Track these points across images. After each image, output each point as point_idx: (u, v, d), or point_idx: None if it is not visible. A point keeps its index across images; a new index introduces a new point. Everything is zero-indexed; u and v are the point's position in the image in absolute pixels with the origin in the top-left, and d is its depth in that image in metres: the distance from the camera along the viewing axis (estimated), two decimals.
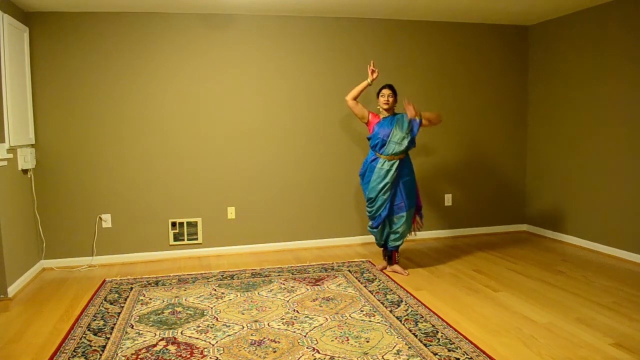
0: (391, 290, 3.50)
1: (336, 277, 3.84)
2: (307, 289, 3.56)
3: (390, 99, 3.79)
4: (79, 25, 4.22)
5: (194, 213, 4.59)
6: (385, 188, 3.79)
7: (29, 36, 4.09)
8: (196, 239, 4.60)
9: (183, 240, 4.58)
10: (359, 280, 3.73)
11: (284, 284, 3.68)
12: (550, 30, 4.96)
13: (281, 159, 4.74)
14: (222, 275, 3.92)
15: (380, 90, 3.84)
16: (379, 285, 3.62)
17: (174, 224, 4.55)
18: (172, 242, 4.56)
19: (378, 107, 3.87)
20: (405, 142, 3.74)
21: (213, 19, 4.47)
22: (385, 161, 3.79)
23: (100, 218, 4.39)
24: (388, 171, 3.78)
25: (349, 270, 4.00)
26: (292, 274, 3.93)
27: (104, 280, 3.85)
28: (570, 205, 4.81)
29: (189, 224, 4.58)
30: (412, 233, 4.01)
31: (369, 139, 3.92)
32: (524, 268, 4.02)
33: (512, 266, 4.08)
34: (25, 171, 4.05)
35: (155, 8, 4.24)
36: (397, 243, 3.90)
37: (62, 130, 4.26)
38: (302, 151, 4.78)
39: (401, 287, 3.56)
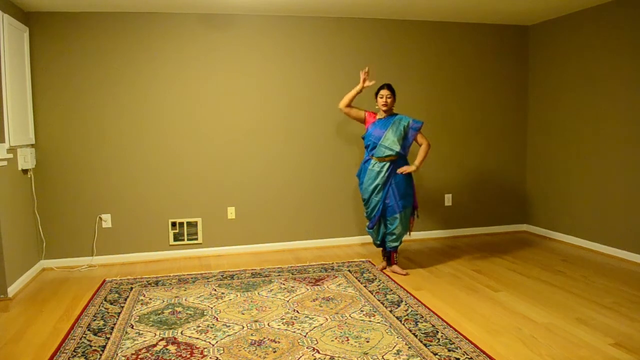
0: (391, 290, 3.50)
1: (336, 277, 3.84)
2: (307, 289, 3.56)
3: (389, 100, 3.76)
4: (78, 25, 4.22)
5: (194, 213, 4.59)
6: (377, 189, 3.78)
7: (29, 36, 4.09)
8: (196, 239, 4.60)
9: (183, 240, 4.58)
10: (359, 280, 3.73)
11: (284, 284, 3.68)
12: (550, 30, 4.96)
13: (281, 158, 4.74)
14: (222, 275, 3.93)
15: (378, 90, 3.79)
16: (379, 285, 3.62)
17: (174, 224, 4.55)
18: (172, 242, 4.56)
19: (376, 107, 3.85)
20: (396, 148, 3.72)
21: (213, 19, 4.47)
22: (376, 162, 3.78)
23: (100, 218, 4.40)
24: (379, 173, 3.77)
25: (349, 270, 4.00)
26: (292, 274, 3.93)
27: (104, 280, 3.85)
28: (570, 205, 4.81)
29: (189, 224, 4.58)
30: (407, 233, 3.98)
31: (363, 138, 3.90)
32: (524, 268, 4.02)
33: (512, 266, 4.08)
34: (25, 171, 4.05)
35: (155, 8, 4.24)
36: (394, 244, 3.89)
37: (62, 130, 4.26)
38: (302, 151, 4.77)
39: (401, 287, 3.56)
